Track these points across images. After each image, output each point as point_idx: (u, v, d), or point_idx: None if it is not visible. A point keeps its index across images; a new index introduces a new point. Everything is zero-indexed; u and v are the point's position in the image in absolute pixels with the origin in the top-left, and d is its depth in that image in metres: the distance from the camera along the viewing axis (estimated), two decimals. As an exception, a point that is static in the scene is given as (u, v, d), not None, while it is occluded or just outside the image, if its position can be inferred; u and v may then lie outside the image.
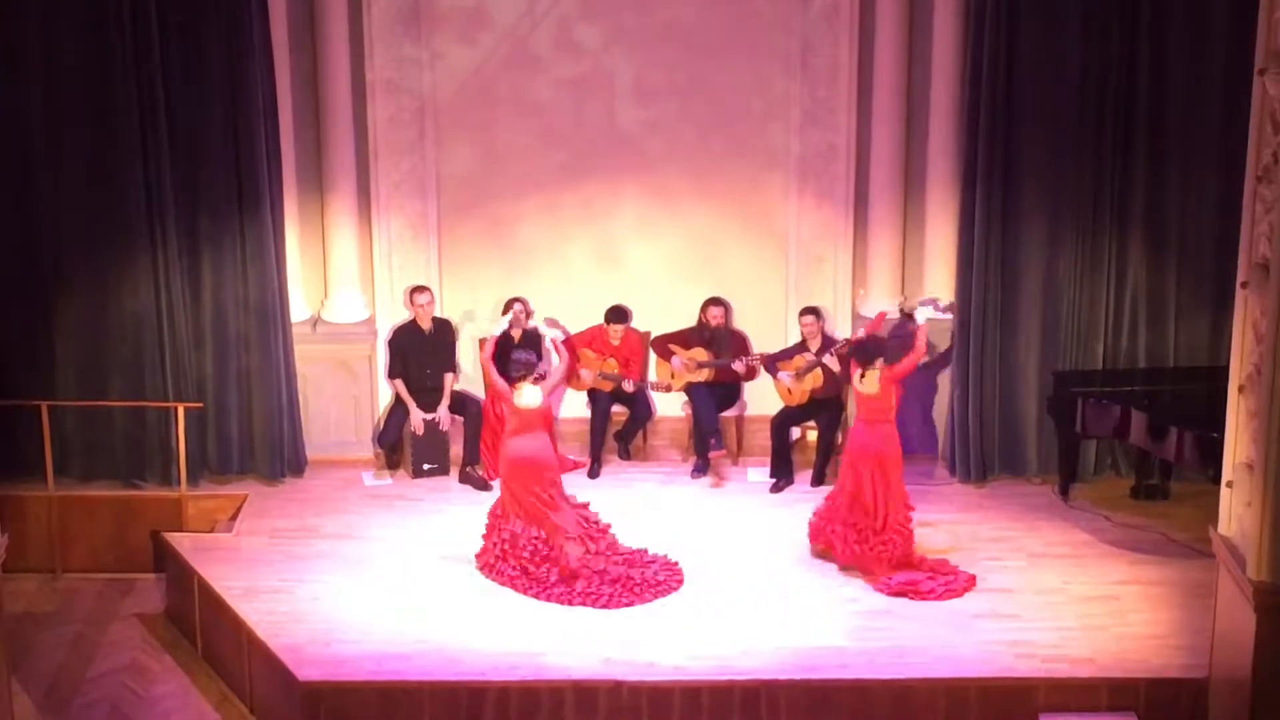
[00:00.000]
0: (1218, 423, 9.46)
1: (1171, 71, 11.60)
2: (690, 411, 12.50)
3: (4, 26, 11.43)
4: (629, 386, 12.41)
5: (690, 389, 12.44)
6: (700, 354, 12.44)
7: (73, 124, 11.60)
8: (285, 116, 12.06)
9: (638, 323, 12.70)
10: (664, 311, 12.71)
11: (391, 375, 12.47)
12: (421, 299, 12.37)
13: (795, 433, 12.47)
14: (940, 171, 12.28)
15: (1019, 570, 10.92)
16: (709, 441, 12.22)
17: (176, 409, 11.75)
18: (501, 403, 11.35)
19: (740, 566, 10.95)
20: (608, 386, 12.41)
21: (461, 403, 12.43)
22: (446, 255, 12.80)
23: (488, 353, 11.29)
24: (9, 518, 10.97)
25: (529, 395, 10.82)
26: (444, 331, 12.53)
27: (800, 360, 12.09)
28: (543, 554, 10.69)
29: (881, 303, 12.49)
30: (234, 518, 11.75)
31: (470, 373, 12.70)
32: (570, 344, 12.07)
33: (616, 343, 12.52)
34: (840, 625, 10.27)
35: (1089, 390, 11.68)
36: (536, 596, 10.57)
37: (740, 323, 12.76)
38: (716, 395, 12.43)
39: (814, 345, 12.09)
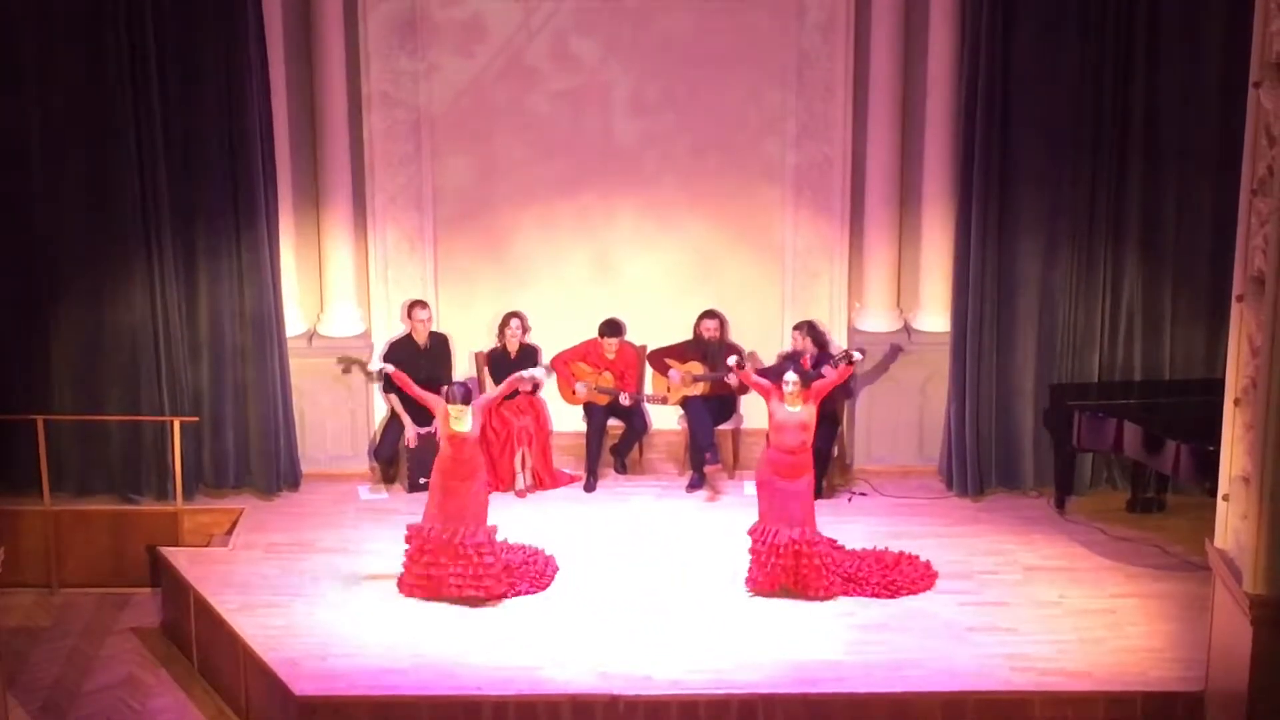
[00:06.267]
0: (1214, 436, 9.48)
1: (1167, 84, 11.61)
2: (686, 425, 12.50)
3: (0, 42, 11.44)
4: (625, 400, 12.40)
5: (686, 402, 12.43)
6: (696, 367, 12.43)
7: (69, 138, 11.59)
8: (281, 130, 12.05)
9: (633, 335, 12.69)
10: (660, 324, 12.69)
11: (387, 389, 12.47)
12: (421, 314, 12.36)
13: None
14: (936, 184, 12.28)
15: (1015, 583, 10.91)
16: (705, 455, 12.22)
17: (172, 423, 11.73)
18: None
19: (737, 580, 10.92)
20: (603, 400, 12.40)
21: (458, 416, 12.42)
22: (442, 268, 12.80)
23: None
24: (5, 532, 10.96)
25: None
26: (440, 345, 12.52)
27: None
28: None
29: (876, 317, 12.50)
30: (230, 532, 11.73)
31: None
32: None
33: (612, 356, 12.51)
34: (837, 638, 10.26)
35: (1085, 403, 11.68)
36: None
37: (736, 335, 12.74)
38: (712, 408, 12.41)
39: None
